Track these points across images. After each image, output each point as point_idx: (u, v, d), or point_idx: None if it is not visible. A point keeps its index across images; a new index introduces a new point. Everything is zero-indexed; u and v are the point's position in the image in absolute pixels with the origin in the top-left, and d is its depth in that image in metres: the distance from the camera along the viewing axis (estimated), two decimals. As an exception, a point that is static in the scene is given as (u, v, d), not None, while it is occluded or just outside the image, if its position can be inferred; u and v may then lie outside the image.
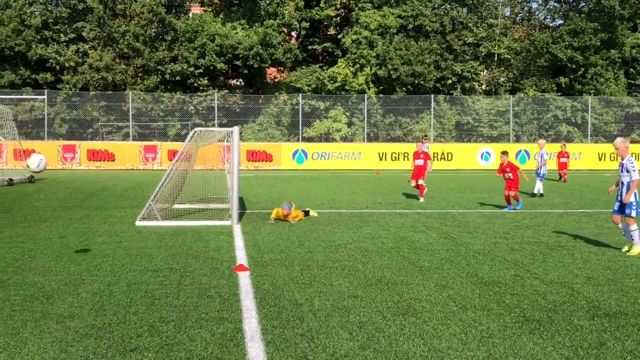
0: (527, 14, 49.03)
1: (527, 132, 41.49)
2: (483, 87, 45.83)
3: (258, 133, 39.29)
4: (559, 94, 42.65)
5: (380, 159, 36.97)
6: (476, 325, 6.33)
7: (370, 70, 40.32)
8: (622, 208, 10.33)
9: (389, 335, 5.99)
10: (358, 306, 6.97)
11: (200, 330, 6.11)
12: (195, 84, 39.19)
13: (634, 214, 10.24)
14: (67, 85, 38.50)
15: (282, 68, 44.17)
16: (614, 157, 36.79)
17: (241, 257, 9.69)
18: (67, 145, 35.43)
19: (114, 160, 35.41)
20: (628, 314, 6.79)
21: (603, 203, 17.79)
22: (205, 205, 16.06)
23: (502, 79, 44.78)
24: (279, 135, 39.67)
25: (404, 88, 40.89)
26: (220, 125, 37.71)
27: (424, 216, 14.96)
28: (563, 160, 27.60)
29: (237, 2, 42.01)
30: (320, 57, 44.91)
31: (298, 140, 38.78)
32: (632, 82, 43.83)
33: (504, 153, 16.90)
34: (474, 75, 43.07)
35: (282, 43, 40.23)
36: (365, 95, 39.82)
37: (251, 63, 38.89)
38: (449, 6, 42.92)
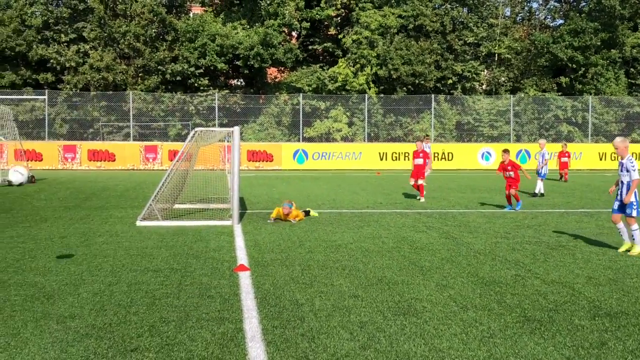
0: (528, 14, 49.02)
1: (528, 132, 41.49)
2: (483, 87, 45.82)
3: (259, 133, 39.30)
4: (560, 93, 42.64)
5: (381, 159, 36.96)
6: (477, 325, 6.33)
7: (371, 70, 40.31)
8: (622, 207, 10.32)
9: (389, 335, 5.99)
10: (359, 306, 6.97)
11: (201, 330, 6.11)
12: (196, 84, 39.19)
13: (634, 213, 10.23)
14: (67, 86, 38.50)
15: (282, 68, 44.17)
16: (614, 157, 36.79)
17: (242, 257, 9.69)
18: (68, 145, 35.43)
19: (114, 160, 35.42)
20: (629, 313, 6.78)
21: (604, 203, 17.78)
22: (206, 205, 16.06)
23: (503, 78, 44.77)
24: (279, 135, 39.67)
25: (404, 88, 40.89)
26: (221, 125, 37.72)
27: (425, 216, 14.95)
28: (564, 160, 27.59)
29: (238, 2, 42.01)
30: (321, 57, 44.92)
31: (299, 140, 38.78)
32: (633, 81, 43.82)
33: (506, 151, 16.86)
34: (474, 75, 43.06)
35: (282, 43, 40.24)
36: (366, 95, 39.82)
37: (252, 63, 38.89)
38: (449, 6, 42.91)
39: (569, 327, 6.29)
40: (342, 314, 6.67)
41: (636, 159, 37.51)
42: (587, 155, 38.05)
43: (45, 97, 36.27)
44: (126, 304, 6.98)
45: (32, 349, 5.59)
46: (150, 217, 13.47)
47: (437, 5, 43.25)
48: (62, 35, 39.09)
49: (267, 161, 36.44)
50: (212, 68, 39.13)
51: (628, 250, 10.27)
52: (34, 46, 38.28)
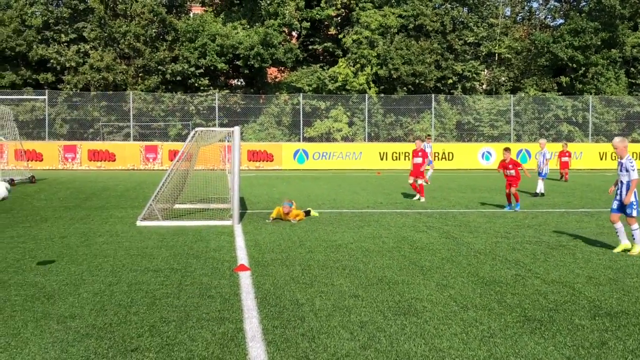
0: (528, 14, 49.03)
1: (528, 132, 41.49)
2: (484, 86, 45.82)
3: (259, 133, 39.30)
4: (560, 93, 42.63)
5: (381, 159, 36.96)
6: (477, 324, 6.33)
7: (371, 70, 40.31)
8: (621, 207, 10.31)
9: (390, 335, 5.99)
10: (359, 306, 6.97)
11: (201, 330, 6.11)
12: (196, 84, 39.20)
13: (634, 213, 10.23)
14: (67, 86, 38.52)
15: (282, 68, 44.17)
16: (615, 157, 36.75)
17: (242, 257, 9.69)
18: (68, 145, 35.44)
19: (114, 160, 35.42)
20: (629, 313, 6.78)
21: (604, 202, 17.77)
22: (206, 205, 16.06)
23: (503, 78, 44.77)
24: (279, 135, 39.67)
25: (404, 88, 40.89)
26: (221, 125, 37.72)
27: (425, 216, 14.95)
28: (564, 159, 27.58)
29: (238, 2, 42.01)
30: (321, 57, 44.92)
31: (299, 140, 38.79)
32: (633, 81, 43.82)
33: (507, 150, 16.80)
34: (474, 75, 43.06)
35: (282, 43, 40.24)
36: (366, 95, 39.82)
37: (252, 63, 38.90)
38: (449, 6, 42.91)
39: (569, 326, 6.29)
40: (342, 313, 6.67)
41: (636, 158, 37.54)
42: (587, 155, 38.05)
43: (46, 97, 36.27)
44: (126, 304, 6.98)
45: (32, 349, 5.60)
46: (151, 217, 13.47)
47: (437, 5, 43.26)
48: (62, 35, 39.10)
49: (267, 161, 36.44)
50: (212, 68, 39.14)
51: (627, 250, 10.26)
52: (34, 46, 38.29)
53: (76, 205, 16.77)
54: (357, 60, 40.47)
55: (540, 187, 20.25)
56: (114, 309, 6.81)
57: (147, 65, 39.17)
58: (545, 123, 41.48)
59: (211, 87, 39.72)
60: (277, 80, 44.82)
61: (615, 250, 10.28)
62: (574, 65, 42.11)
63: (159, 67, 39.04)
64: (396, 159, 36.72)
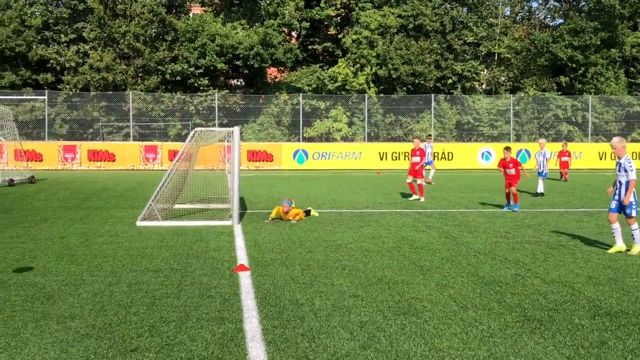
0: (527, 13, 49.01)
1: (528, 132, 41.49)
2: (483, 86, 45.81)
3: (258, 133, 39.29)
4: (560, 93, 42.63)
5: (381, 159, 36.96)
6: (477, 324, 6.33)
7: (371, 70, 40.31)
8: (621, 207, 10.31)
9: (389, 335, 5.99)
10: (359, 306, 6.97)
11: (201, 330, 6.11)
12: (196, 84, 39.19)
13: (634, 213, 10.24)
14: (67, 86, 38.50)
15: (282, 68, 44.16)
16: (614, 157, 36.70)
17: (242, 257, 9.70)
18: (68, 145, 35.43)
19: (114, 160, 35.41)
20: (629, 313, 6.78)
21: (604, 202, 17.77)
22: (206, 206, 16.07)
23: (503, 78, 44.76)
24: (279, 135, 39.67)
25: (404, 88, 40.88)
26: (221, 125, 37.71)
27: (425, 216, 14.96)
28: (564, 159, 27.57)
29: (238, 2, 42.00)
30: (321, 57, 44.91)
31: (299, 140, 38.78)
32: (633, 81, 43.81)
33: (507, 149, 16.75)
34: (474, 75, 43.06)
35: (282, 43, 40.23)
36: (366, 95, 39.81)
37: (251, 63, 38.89)
38: (449, 6, 42.90)
39: (569, 326, 6.29)
40: (342, 313, 6.67)
41: (636, 158, 37.57)
42: (587, 155, 38.04)
43: (45, 97, 36.26)
44: (126, 304, 6.98)
45: (32, 349, 5.60)
46: (150, 217, 13.48)
47: (436, 5, 43.24)
48: (62, 36, 39.08)
49: (267, 161, 36.44)
50: (212, 68, 39.13)
51: (627, 250, 10.27)
52: (34, 46, 38.27)
53: (76, 206, 16.77)
54: (357, 60, 40.47)
55: (540, 187, 20.26)
56: (113, 309, 6.81)
57: (147, 66, 39.16)
58: (544, 123, 41.49)
59: (211, 87, 39.71)
60: (276, 80, 44.81)
61: (610, 251, 10.24)
62: (574, 65, 42.10)
63: (158, 67, 39.03)
64: (396, 159, 36.71)
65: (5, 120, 25.23)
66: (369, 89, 40.31)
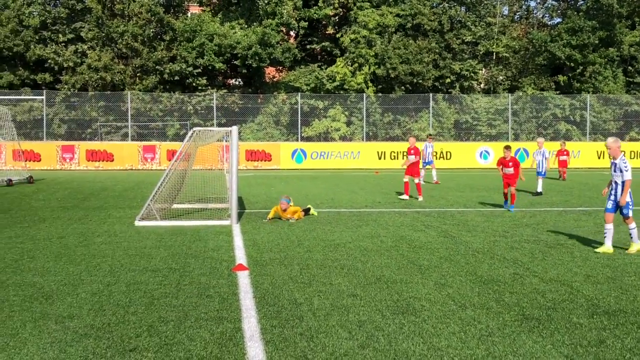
0: (526, 13, 49.04)
1: (526, 131, 41.51)
2: (482, 85, 45.82)
3: (257, 133, 39.28)
4: (558, 92, 42.64)
5: (379, 158, 36.96)
6: (475, 323, 6.33)
7: (369, 69, 40.30)
8: (617, 207, 10.30)
9: (388, 334, 5.99)
10: (357, 305, 6.97)
11: (199, 330, 6.11)
12: (194, 84, 39.17)
13: (631, 213, 10.26)
14: (65, 86, 38.46)
15: (280, 67, 44.15)
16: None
17: (240, 257, 9.70)
18: (66, 145, 35.40)
19: (112, 160, 35.39)
20: (627, 311, 6.79)
21: (602, 201, 17.72)
22: (204, 205, 16.06)
23: (501, 77, 44.78)
24: (277, 134, 39.66)
25: (402, 87, 40.87)
26: (219, 125, 37.69)
27: (423, 215, 14.96)
28: (563, 158, 27.58)
29: (236, 1, 41.99)
30: (319, 57, 44.89)
31: (297, 140, 38.77)
32: (631, 80, 43.84)
33: (507, 148, 16.72)
34: (472, 74, 43.06)
35: (280, 42, 40.21)
36: (364, 94, 39.81)
37: (250, 62, 38.88)
38: (447, 5, 42.91)
39: (567, 325, 6.30)
40: (340, 313, 6.67)
41: (636, 157, 37.62)
42: (585, 154, 38.06)
43: (43, 97, 36.21)
44: (125, 304, 6.98)
45: (30, 349, 5.60)
46: (149, 217, 13.47)
47: (435, 4, 43.26)
48: (60, 36, 39.04)
49: (265, 161, 36.43)
50: (210, 68, 39.11)
51: (625, 249, 10.28)
52: (32, 46, 38.23)
53: (74, 206, 16.75)
54: (355, 59, 40.46)
55: (540, 186, 20.28)
56: (112, 309, 6.81)
57: (145, 65, 39.12)
58: (543, 122, 41.51)
59: (209, 87, 39.69)
60: (275, 79, 44.80)
61: (598, 250, 10.21)
62: (572, 64, 42.12)
63: (156, 67, 38.99)
64: (394, 158, 36.69)
65: (4, 120, 25.21)
66: (367, 88, 40.31)
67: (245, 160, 35.83)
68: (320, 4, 41.52)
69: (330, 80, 40.46)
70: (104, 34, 38.74)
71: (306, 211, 14.55)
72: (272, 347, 5.64)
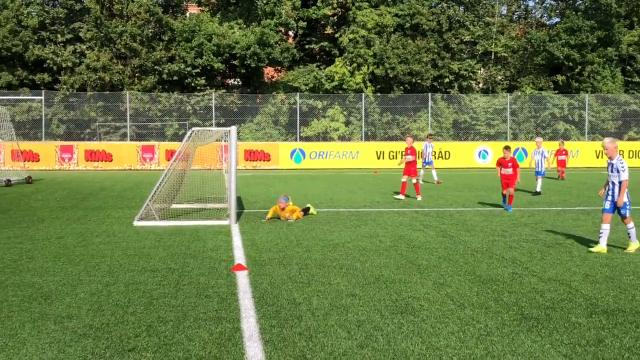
0: (524, 12, 49.06)
1: (525, 130, 41.53)
2: (480, 85, 45.84)
3: (256, 132, 39.27)
4: (556, 91, 42.67)
5: (378, 158, 36.97)
6: (474, 323, 6.34)
7: (368, 69, 40.31)
8: (615, 208, 10.31)
9: (387, 334, 6.00)
10: (356, 305, 6.98)
11: (198, 330, 6.11)
12: (193, 84, 39.15)
13: (628, 213, 10.27)
14: (64, 86, 38.43)
15: (279, 67, 44.15)
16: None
17: (239, 257, 9.69)
18: (65, 145, 35.38)
19: (111, 160, 35.38)
20: (626, 311, 6.80)
21: (601, 201, 17.72)
22: (203, 205, 16.06)
23: (499, 77, 44.80)
24: (276, 134, 39.65)
25: (401, 87, 40.88)
26: (218, 124, 37.68)
27: (422, 215, 14.96)
28: (561, 157, 27.60)
29: (234, 1, 41.98)
30: (318, 56, 44.90)
31: (296, 140, 38.77)
32: (629, 79, 43.88)
33: (507, 148, 16.71)
34: (471, 74, 43.07)
35: (279, 42, 40.20)
36: (363, 94, 39.82)
37: (248, 62, 38.87)
38: (445, 5, 42.93)
39: (565, 324, 6.30)
40: (339, 312, 6.68)
41: (635, 156, 37.65)
42: (583, 153, 38.09)
43: (42, 97, 36.21)
44: (124, 304, 6.98)
45: (29, 349, 5.59)
46: (148, 217, 13.46)
47: (433, 4, 43.26)
48: (59, 36, 39.02)
49: (264, 160, 36.43)
50: (208, 68, 39.10)
51: (623, 248, 10.29)
52: (31, 47, 38.20)
53: (73, 206, 16.75)
54: (354, 59, 40.47)
55: (539, 185, 20.30)
56: (111, 309, 6.81)
57: (144, 65, 39.11)
58: (541, 121, 41.53)
59: (208, 87, 39.68)
60: (273, 79, 44.80)
61: (592, 250, 10.20)
62: (570, 64, 42.16)
63: (155, 67, 38.98)
64: (393, 158, 36.68)
65: (2, 120, 25.19)
66: (366, 88, 40.32)
67: (244, 160, 35.84)
68: (319, 4, 41.53)
69: (329, 80, 40.47)
70: (102, 34, 38.72)
71: (305, 211, 14.55)
72: (271, 347, 5.64)
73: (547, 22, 48.55)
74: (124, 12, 39.17)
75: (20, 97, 35.58)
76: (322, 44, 43.20)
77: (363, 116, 39.61)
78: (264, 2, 39.23)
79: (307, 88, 40.67)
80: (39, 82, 38.92)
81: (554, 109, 41.32)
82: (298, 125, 39.00)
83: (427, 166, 25.38)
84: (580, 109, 41.35)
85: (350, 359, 5.38)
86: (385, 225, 13.22)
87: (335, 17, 43.89)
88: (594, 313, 6.70)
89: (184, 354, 5.47)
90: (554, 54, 41.57)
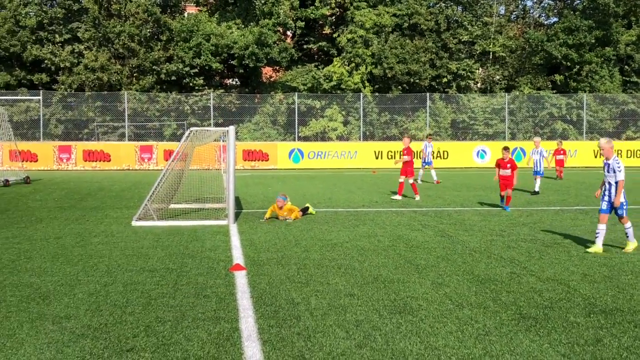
0: (522, 12, 49.06)
1: (523, 130, 41.55)
2: (478, 85, 45.86)
3: (254, 132, 39.26)
4: (554, 91, 42.69)
5: (377, 158, 36.98)
6: (472, 322, 6.34)
7: (366, 69, 40.30)
8: (612, 208, 10.32)
9: (385, 334, 6.00)
10: (354, 305, 6.98)
11: (196, 330, 6.11)
12: (191, 84, 39.12)
13: (625, 213, 10.28)
14: (62, 86, 38.38)
15: (277, 67, 44.13)
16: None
17: (237, 257, 9.69)
18: (63, 145, 35.35)
19: (109, 160, 35.35)
20: (624, 310, 6.80)
21: (599, 200, 17.78)
22: (202, 205, 16.05)
23: (497, 77, 44.81)
24: (275, 134, 39.63)
25: (399, 87, 40.88)
26: (216, 124, 37.65)
27: (420, 214, 14.97)
28: (559, 157, 27.63)
29: (233, 1, 41.95)
30: (316, 56, 44.88)
31: (294, 140, 38.75)
32: (627, 79, 43.90)
33: (506, 149, 16.72)
34: (469, 74, 43.08)
35: (277, 42, 40.19)
36: (361, 94, 39.81)
37: (247, 62, 38.85)
38: (443, 4, 42.94)
39: (564, 324, 6.31)
40: (338, 312, 6.68)
41: (633, 156, 37.69)
42: (582, 153, 38.12)
43: (40, 97, 36.16)
44: (122, 304, 6.98)
45: (27, 349, 5.59)
46: (146, 217, 13.46)
47: (431, 4, 43.25)
48: (57, 36, 38.97)
49: (262, 160, 36.42)
50: (207, 68, 39.07)
51: (622, 248, 10.30)
52: (29, 47, 38.15)
53: (71, 206, 16.73)
54: (352, 59, 40.47)
55: (537, 185, 20.31)
56: (109, 309, 6.80)
57: (142, 65, 39.08)
58: (539, 121, 41.55)
59: (206, 87, 39.65)
60: (272, 79, 44.79)
61: (589, 250, 10.21)
62: (568, 64, 42.18)
63: (153, 67, 38.95)
64: (391, 158, 36.67)
65: (0, 120, 25.16)
66: (364, 88, 40.32)
67: (242, 160, 35.81)
68: (317, 4, 41.50)
69: (327, 80, 40.46)
70: (100, 34, 38.68)
71: (304, 210, 14.55)
72: (270, 347, 5.64)
73: (545, 22, 48.58)
74: (122, 12, 39.14)
75: (18, 97, 35.53)
76: (320, 44, 43.20)
77: (361, 116, 39.61)
78: (262, 2, 39.21)
79: (306, 88, 40.66)
80: (37, 82, 38.87)
81: (552, 108, 41.34)
82: (296, 125, 38.99)
83: (426, 166, 25.37)
84: (578, 108, 41.38)
85: (348, 359, 5.38)
86: (384, 225, 13.22)
87: (334, 17, 43.88)
88: (592, 312, 6.71)
89: (182, 354, 5.47)
90: (552, 53, 41.59)
